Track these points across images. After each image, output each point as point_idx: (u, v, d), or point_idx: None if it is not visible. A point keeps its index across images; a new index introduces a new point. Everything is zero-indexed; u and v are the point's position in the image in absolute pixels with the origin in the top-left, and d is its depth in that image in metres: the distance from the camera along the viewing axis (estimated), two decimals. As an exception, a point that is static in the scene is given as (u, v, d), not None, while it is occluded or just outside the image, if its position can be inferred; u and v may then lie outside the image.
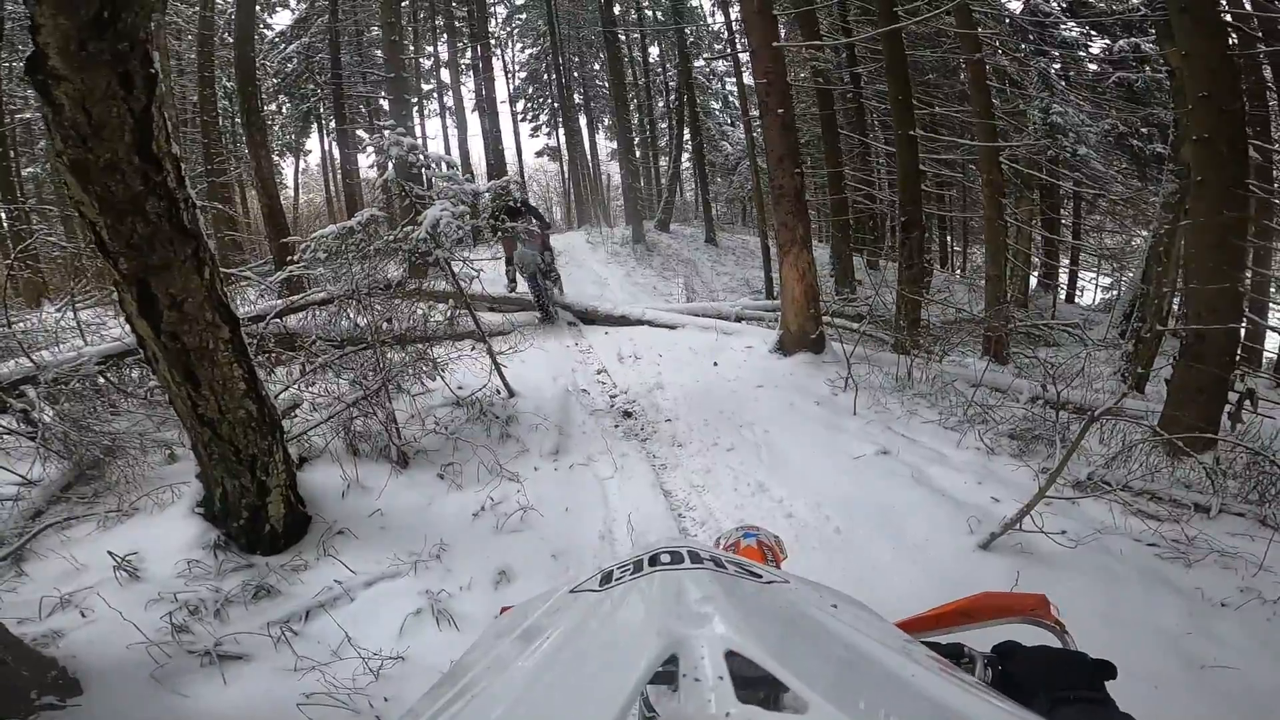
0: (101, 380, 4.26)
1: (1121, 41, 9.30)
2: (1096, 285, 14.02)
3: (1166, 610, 2.58)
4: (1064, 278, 13.09)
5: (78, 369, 4.05)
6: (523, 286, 7.35)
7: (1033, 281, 10.65)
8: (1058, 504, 3.13)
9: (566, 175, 23.38)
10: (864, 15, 10.13)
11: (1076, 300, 13.56)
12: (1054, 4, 9.84)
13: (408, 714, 0.49)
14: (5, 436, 3.76)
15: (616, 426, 4.61)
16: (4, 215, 10.77)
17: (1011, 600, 0.85)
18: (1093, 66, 10.34)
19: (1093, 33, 9.99)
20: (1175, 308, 6.78)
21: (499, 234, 5.27)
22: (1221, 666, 2.26)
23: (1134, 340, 6.17)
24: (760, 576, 0.56)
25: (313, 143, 20.98)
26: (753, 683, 0.42)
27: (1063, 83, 9.85)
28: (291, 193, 21.31)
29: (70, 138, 1.99)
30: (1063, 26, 9.85)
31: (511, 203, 6.33)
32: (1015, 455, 4.00)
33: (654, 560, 0.56)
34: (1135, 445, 3.80)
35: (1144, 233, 9.13)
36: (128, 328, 2.52)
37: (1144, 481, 3.54)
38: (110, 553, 2.65)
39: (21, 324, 5.61)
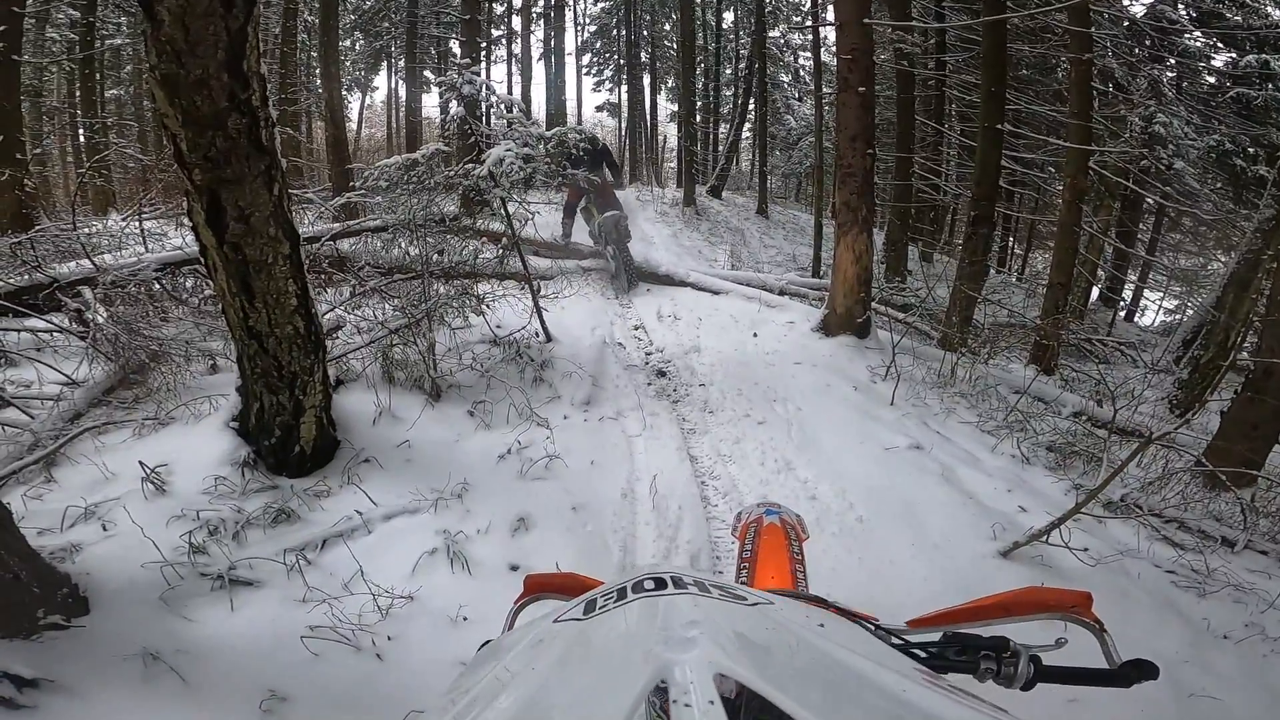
0: (157, 287, 4.39)
1: (1250, 56, 8.68)
2: (1161, 306, 13.35)
3: (1170, 637, 2.55)
4: (1127, 294, 12.50)
5: (136, 273, 4.19)
6: (579, 236, 7.19)
7: (1094, 294, 10.19)
8: (1085, 521, 3.08)
9: (624, 133, 23.08)
10: (959, 2, 9.63)
11: (1136, 319, 12.96)
12: (1181, 11, 9.20)
13: None
14: (56, 335, 3.87)
15: (649, 384, 4.62)
16: (83, 130, 11.24)
17: (1055, 596, 0.84)
18: (1210, 79, 9.69)
19: (1219, 45, 9.33)
20: (1243, 340, 6.45)
21: (560, 180, 5.18)
22: (1208, 696, 2.26)
23: (1191, 368, 5.89)
24: (745, 599, 0.55)
25: (380, 80, 21.23)
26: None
27: (1173, 92, 9.25)
28: (355, 127, 21.61)
29: (165, 53, 2.01)
30: (1187, 35, 9.22)
31: (591, 144, 6.20)
32: (1051, 468, 3.90)
33: (637, 587, 0.56)
34: (1175, 473, 3.67)
35: (1224, 258, 8.63)
36: (190, 238, 2.56)
37: (1176, 510, 3.45)
38: (141, 463, 2.64)
39: (88, 229, 5.85)
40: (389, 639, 2.19)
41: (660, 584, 0.56)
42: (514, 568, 2.66)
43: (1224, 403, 4.12)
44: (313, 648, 2.07)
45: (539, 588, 1.02)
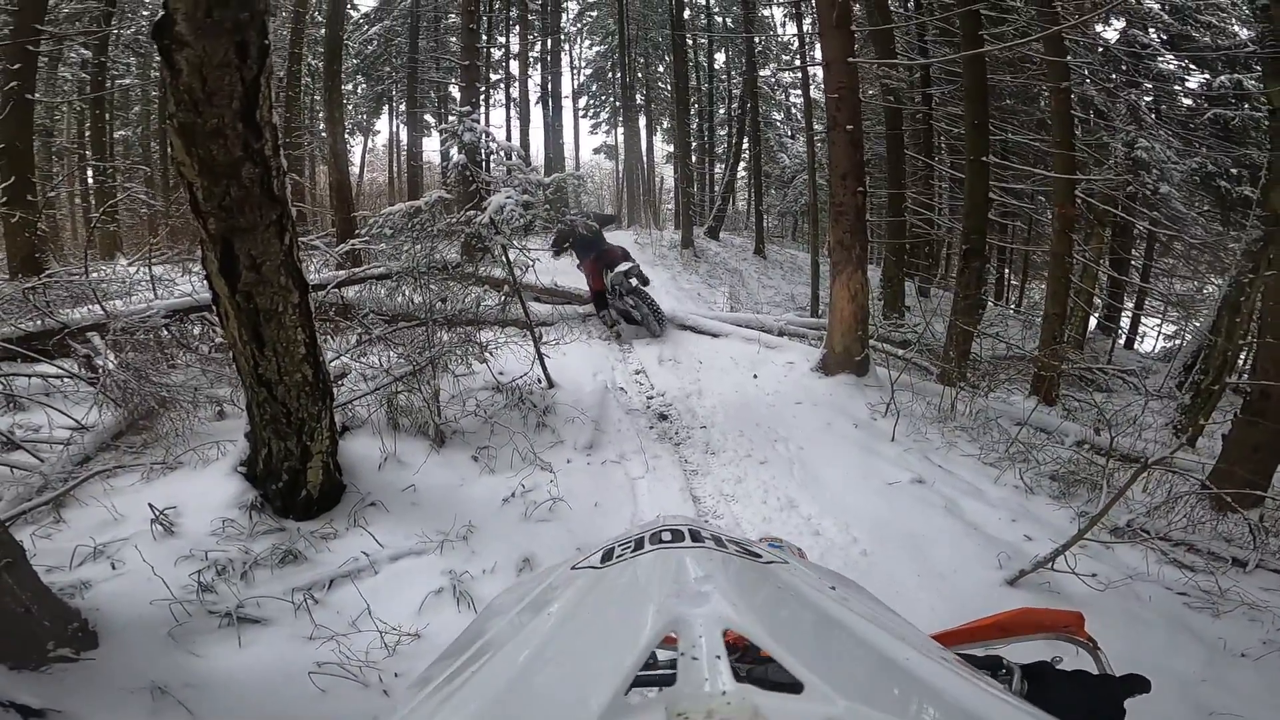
0: (165, 333, 4.44)
1: (1223, 77, 8.87)
2: (1160, 332, 13.40)
3: (1186, 657, 2.56)
4: (1125, 321, 12.56)
5: (145, 320, 4.24)
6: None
7: (1092, 323, 10.24)
8: (1092, 547, 3.11)
9: (621, 174, 23.56)
10: (942, 36, 9.89)
11: (1136, 346, 12.99)
12: (1153, 36, 9.44)
13: (415, 682, 0.52)
14: (65, 380, 3.92)
15: (651, 427, 4.65)
16: (91, 172, 11.47)
17: (1048, 616, 0.87)
18: (1187, 101, 9.89)
19: (1191, 66, 9.54)
20: (1241, 362, 6.46)
21: (579, 264, 5.47)
22: (1230, 714, 2.26)
23: (1192, 392, 5.90)
24: (759, 556, 0.56)
25: (381, 124, 21.75)
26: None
27: (1152, 116, 9.44)
28: (357, 170, 22.06)
29: (183, 101, 2.09)
30: (1160, 59, 9.45)
31: (597, 221, 6.37)
32: (1055, 497, 3.91)
33: (655, 538, 0.56)
34: (1180, 497, 3.68)
35: (1218, 281, 8.69)
36: (197, 284, 2.61)
37: (1184, 533, 3.47)
38: (150, 505, 2.67)
39: (97, 274, 5.92)
40: (396, 675, 2.19)
41: (678, 536, 0.56)
42: (520, 606, 2.65)
43: (1226, 426, 4.15)
44: (320, 684, 2.09)
45: None
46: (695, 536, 0.55)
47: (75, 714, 1.84)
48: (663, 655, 0.47)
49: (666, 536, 0.56)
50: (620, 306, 6.80)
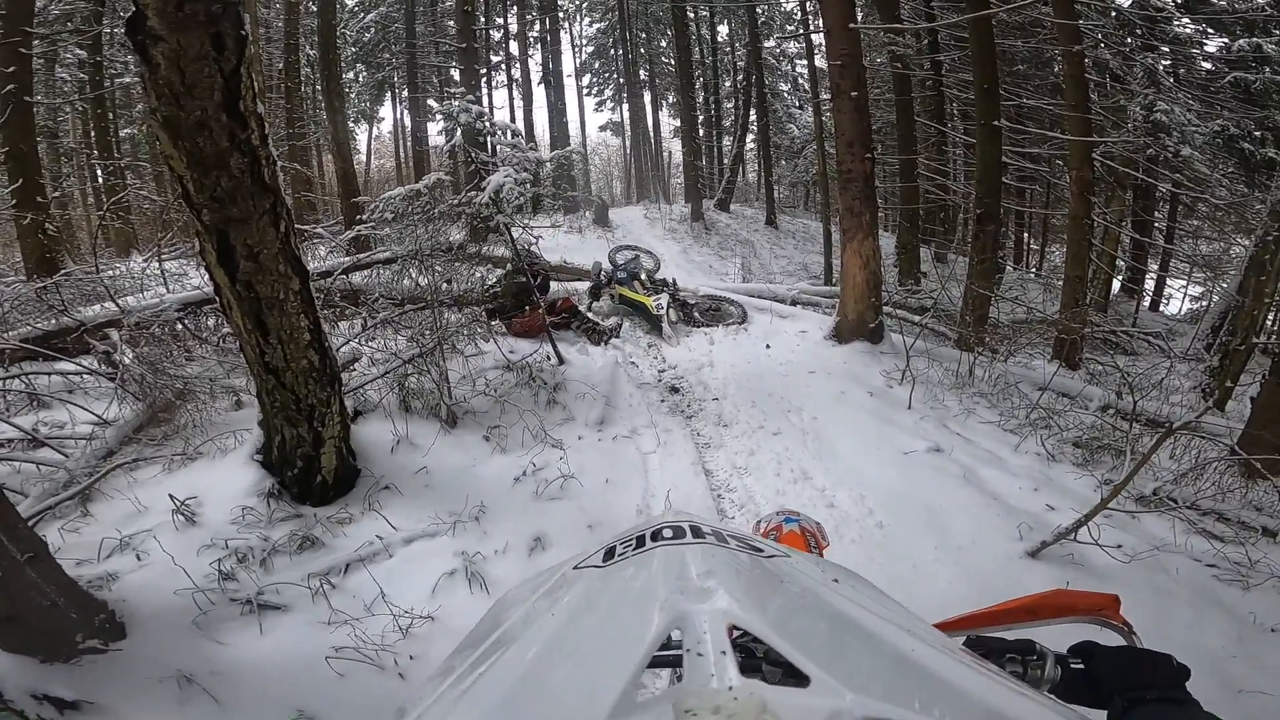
0: (180, 326, 4.49)
1: (1241, 41, 8.55)
2: (1185, 294, 13.06)
3: (1215, 632, 2.48)
4: (1150, 284, 12.25)
5: (159, 314, 4.28)
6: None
7: (1115, 286, 10.00)
8: (1117, 517, 3.00)
9: (628, 151, 23.33)
10: (948, 0, 9.63)
11: (1162, 309, 12.69)
12: None
13: (437, 672, 0.51)
14: (86, 377, 3.97)
15: (663, 401, 4.61)
16: (100, 171, 11.55)
17: (1081, 598, 0.83)
18: (1206, 65, 9.56)
19: (1209, 30, 9.20)
20: (1270, 323, 6.28)
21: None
22: (1260, 692, 2.18)
23: (1220, 354, 5.74)
24: (762, 551, 0.56)
25: (385, 110, 21.66)
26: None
27: (1170, 80, 9.14)
28: (364, 158, 22.06)
29: (164, 95, 2.07)
30: (1175, 22, 9.12)
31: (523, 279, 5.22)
32: (1078, 464, 3.81)
33: (656, 535, 0.56)
34: (1209, 464, 3.56)
35: (1245, 242, 8.46)
36: (207, 276, 2.63)
37: (1213, 501, 3.35)
38: (171, 496, 2.71)
39: (110, 271, 5.98)
40: (410, 658, 2.22)
41: (679, 533, 0.56)
42: (532, 586, 2.65)
43: (1255, 389, 4.02)
44: (338, 668, 2.12)
45: None
46: (696, 533, 0.56)
47: (107, 705, 1.87)
48: (676, 636, 0.47)
49: (668, 534, 0.56)
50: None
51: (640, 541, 0.56)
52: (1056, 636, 0.80)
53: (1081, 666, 0.72)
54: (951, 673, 0.41)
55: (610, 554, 0.57)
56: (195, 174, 2.21)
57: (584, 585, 0.55)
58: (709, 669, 0.37)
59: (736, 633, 0.51)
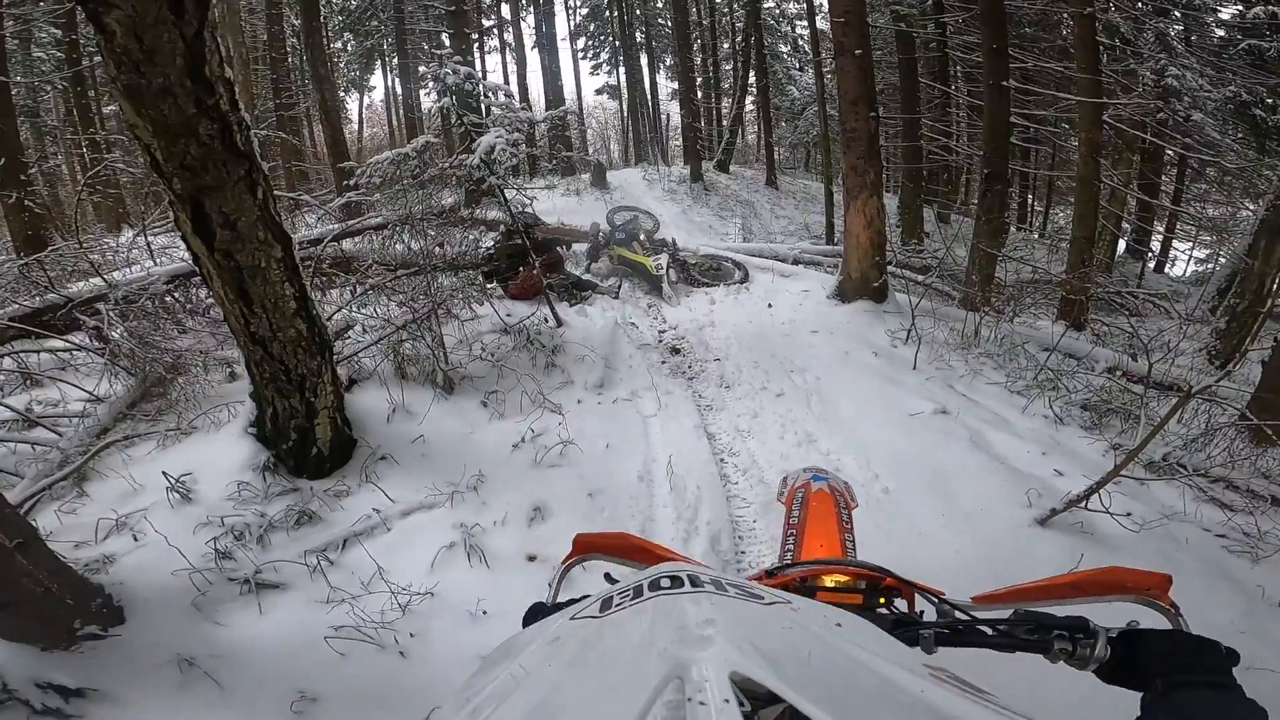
0: (169, 299, 4.40)
1: (1257, 9, 8.32)
2: (1191, 256, 12.93)
3: (1224, 606, 2.38)
4: (1156, 246, 12.13)
5: (146, 288, 4.18)
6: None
7: (1120, 246, 9.88)
8: (1126, 484, 2.91)
9: (625, 114, 22.85)
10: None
11: (1167, 270, 12.58)
12: None
13: (459, 692, 0.51)
14: (77, 354, 3.89)
15: (663, 363, 4.54)
16: (85, 147, 11.35)
17: (1133, 577, 0.80)
18: (1219, 32, 9.32)
19: None
20: (1278, 286, 6.19)
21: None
22: (1267, 669, 2.10)
23: (1228, 317, 5.65)
24: (762, 598, 0.56)
25: (376, 79, 21.18)
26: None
27: (1182, 45, 8.91)
28: (356, 127, 21.62)
29: (123, 63, 1.97)
30: None
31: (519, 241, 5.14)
32: (1087, 428, 3.73)
33: (654, 585, 0.56)
34: (1220, 429, 3.48)
35: (1252, 206, 8.35)
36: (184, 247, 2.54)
37: (1223, 468, 3.25)
38: (165, 473, 2.66)
39: (97, 246, 5.89)
40: (411, 636, 2.18)
41: (677, 582, 0.56)
42: (531, 558, 2.61)
43: (1265, 352, 3.91)
44: (338, 648, 2.08)
45: (588, 548, 0.99)
46: (694, 582, 0.56)
47: (110, 692, 1.85)
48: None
49: (665, 583, 0.56)
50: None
51: (637, 592, 0.56)
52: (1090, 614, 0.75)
53: (1127, 648, 0.70)
54: (965, 713, 0.40)
55: (607, 604, 0.57)
56: (162, 142, 2.13)
57: (580, 637, 0.54)
58: (712, 717, 0.36)
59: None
